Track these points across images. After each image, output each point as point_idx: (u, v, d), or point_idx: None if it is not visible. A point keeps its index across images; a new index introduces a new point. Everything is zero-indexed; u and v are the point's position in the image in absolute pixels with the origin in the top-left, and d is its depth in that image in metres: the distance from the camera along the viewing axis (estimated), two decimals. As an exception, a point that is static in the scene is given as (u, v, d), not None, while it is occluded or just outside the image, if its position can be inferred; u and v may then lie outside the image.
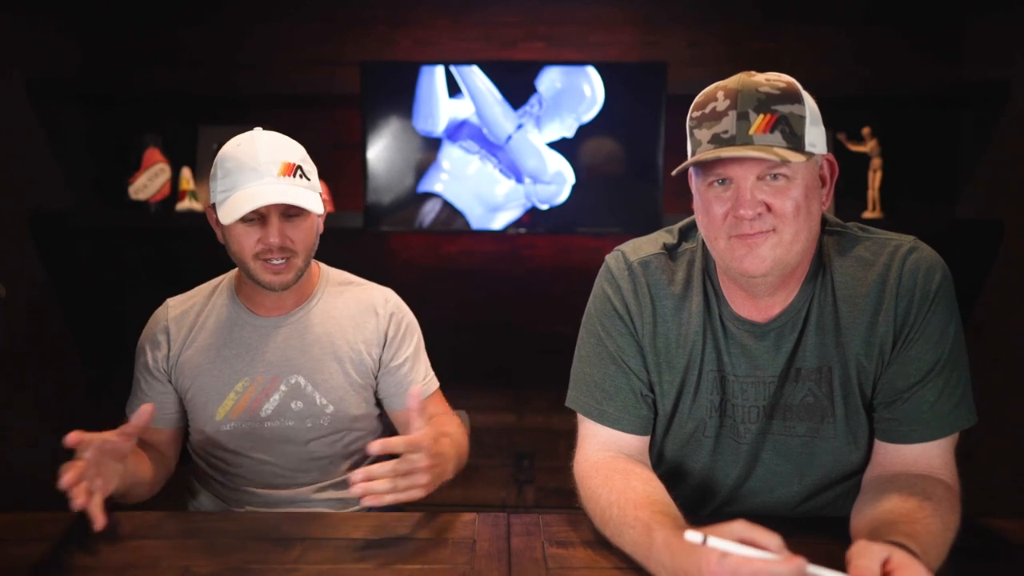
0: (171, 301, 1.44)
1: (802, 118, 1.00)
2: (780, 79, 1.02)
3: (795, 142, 0.99)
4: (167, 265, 2.76)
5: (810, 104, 1.02)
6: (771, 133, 0.98)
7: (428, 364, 1.50)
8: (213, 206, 1.33)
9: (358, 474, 1.05)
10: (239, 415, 1.37)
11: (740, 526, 0.81)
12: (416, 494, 1.10)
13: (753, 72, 1.04)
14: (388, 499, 1.07)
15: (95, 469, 1.09)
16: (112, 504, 1.13)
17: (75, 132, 2.62)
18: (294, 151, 1.32)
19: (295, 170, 1.29)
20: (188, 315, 1.41)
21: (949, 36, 2.62)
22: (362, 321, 1.42)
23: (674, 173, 1.05)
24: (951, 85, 2.55)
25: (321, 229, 1.38)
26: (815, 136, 1.02)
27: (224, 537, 1.09)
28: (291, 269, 1.32)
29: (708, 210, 1.05)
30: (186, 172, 2.57)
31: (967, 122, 2.60)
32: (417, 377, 1.45)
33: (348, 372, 1.41)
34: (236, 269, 1.43)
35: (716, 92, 1.03)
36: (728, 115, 1.00)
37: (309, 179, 1.32)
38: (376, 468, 1.07)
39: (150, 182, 2.52)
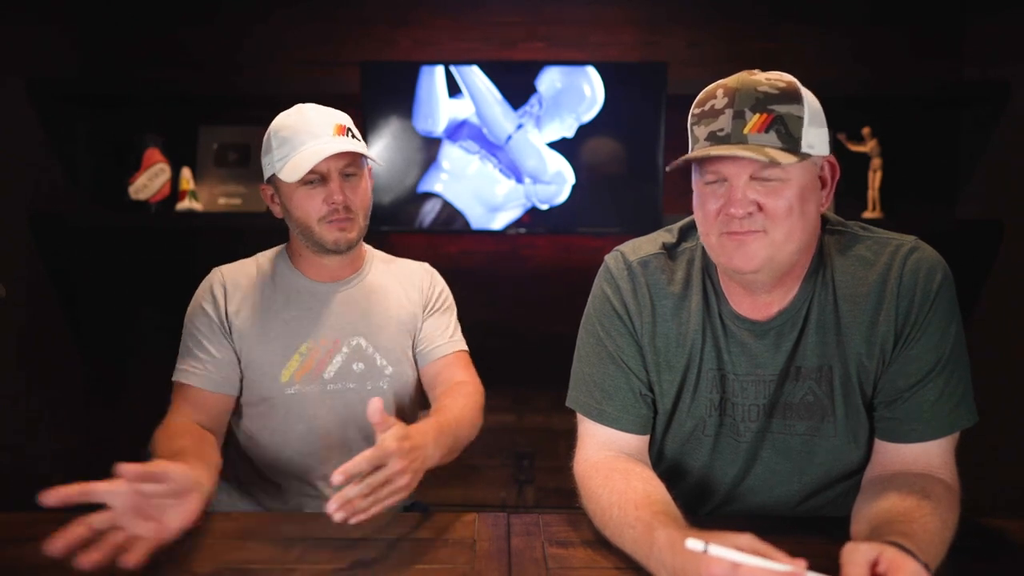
0: (221, 267, 1.44)
1: (800, 119, 0.99)
2: (781, 79, 1.02)
3: (791, 143, 0.98)
4: (167, 265, 2.76)
5: (811, 104, 1.02)
6: (766, 133, 0.98)
7: (458, 327, 1.54)
8: (270, 180, 1.38)
9: (332, 503, 0.96)
10: (303, 377, 1.38)
11: (747, 540, 0.81)
12: (401, 496, 1.04)
13: (756, 71, 1.03)
14: (373, 511, 1.01)
15: (128, 518, 0.91)
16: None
17: (75, 132, 2.62)
18: (343, 116, 1.38)
19: (347, 131, 1.35)
20: (243, 277, 1.42)
21: (949, 36, 2.62)
22: (410, 287, 1.50)
23: (668, 169, 1.05)
24: (951, 85, 2.55)
25: (371, 197, 1.43)
26: (814, 137, 1.01)
27: (224, 537, 1.09)
28: (354, 227, 1.37)
29: (703, 206, 1.05)
30: (186, 172, 2.56)
31: (967, 122, 2.60)
32: (448, 331, 1.50)
33: (404, 333, 1.46)
34: (283, 245, 1.47)
35: (716, 90, 1.02)
36: (725, 113, 1.00)
37: (360, 140, 1.38)
38: (348, 491, 0.98)
39: (150, 182, 2.52)
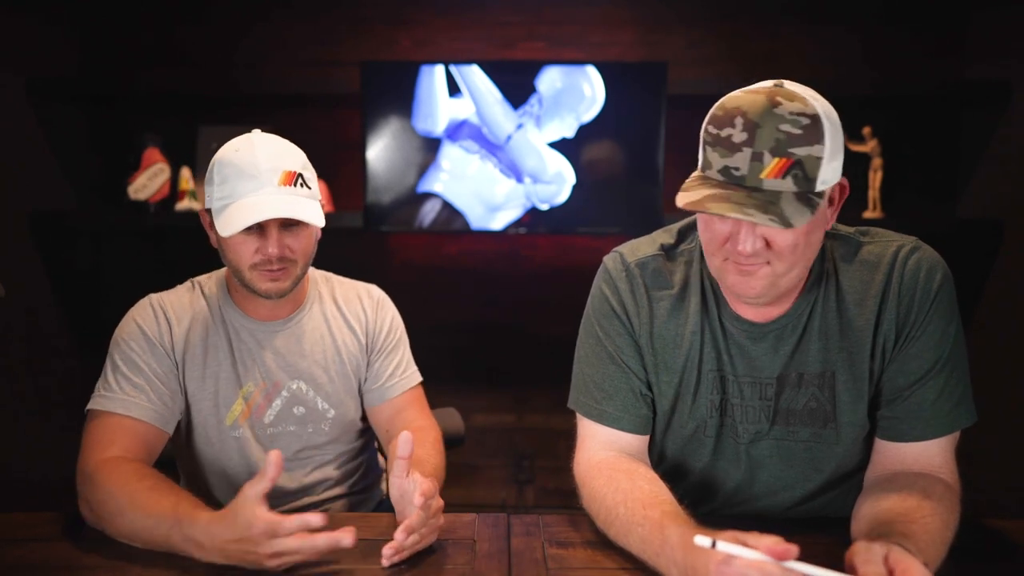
0: (156, 296, 1.34)
1: (819, 159, 0.94)
2: (806, 111, 0.94)
3: (806, 185, 0.95)
4: (167, 265, 2.76)
5: (832, 135, 0.96)
6: (783, 179, 0.93)
7: (411, 358, 1.48)
8: (209, 211, 1.28)
9: (389, 550, 1.00)
10: (247, 420, 1.33)
11: (754, 538, 0.81)
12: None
13: (781, 94, 0.95)
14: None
15: None
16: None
17: (75, 132, 2.62)
18: (295, 158, 1.27)
19: (296, 179, 1.25)
20: (183, 309, 1.33)
21: (951, 35, 2.61)
22: (354, 321, 1.42)
23: (681, 206, 0.98)
24: (952, 84, 2.55)
25: (319, 235, 1.34)
26: (830, 172, 0.97)
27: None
28: (288, 277, 1.28)
29: (709, 228, 1.02)
30: (185, 172, 2.56)
31: (968, 122, 2.60)
32: (399, 369, 1.44)
33: (347, 375, 1.41)
34: (223, 271, 1.39)
35: (735, 117, 0.95)
36: (743, 151, 0.94)
37: (310, 187, 1.27)
38: (407, 542, 1.01)
39: (149, 182, 2.52)
